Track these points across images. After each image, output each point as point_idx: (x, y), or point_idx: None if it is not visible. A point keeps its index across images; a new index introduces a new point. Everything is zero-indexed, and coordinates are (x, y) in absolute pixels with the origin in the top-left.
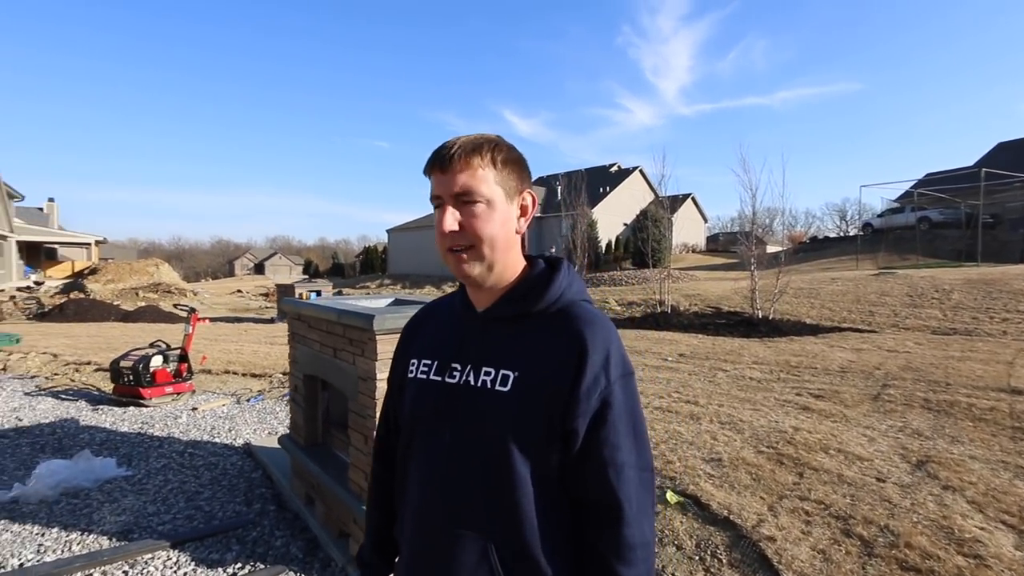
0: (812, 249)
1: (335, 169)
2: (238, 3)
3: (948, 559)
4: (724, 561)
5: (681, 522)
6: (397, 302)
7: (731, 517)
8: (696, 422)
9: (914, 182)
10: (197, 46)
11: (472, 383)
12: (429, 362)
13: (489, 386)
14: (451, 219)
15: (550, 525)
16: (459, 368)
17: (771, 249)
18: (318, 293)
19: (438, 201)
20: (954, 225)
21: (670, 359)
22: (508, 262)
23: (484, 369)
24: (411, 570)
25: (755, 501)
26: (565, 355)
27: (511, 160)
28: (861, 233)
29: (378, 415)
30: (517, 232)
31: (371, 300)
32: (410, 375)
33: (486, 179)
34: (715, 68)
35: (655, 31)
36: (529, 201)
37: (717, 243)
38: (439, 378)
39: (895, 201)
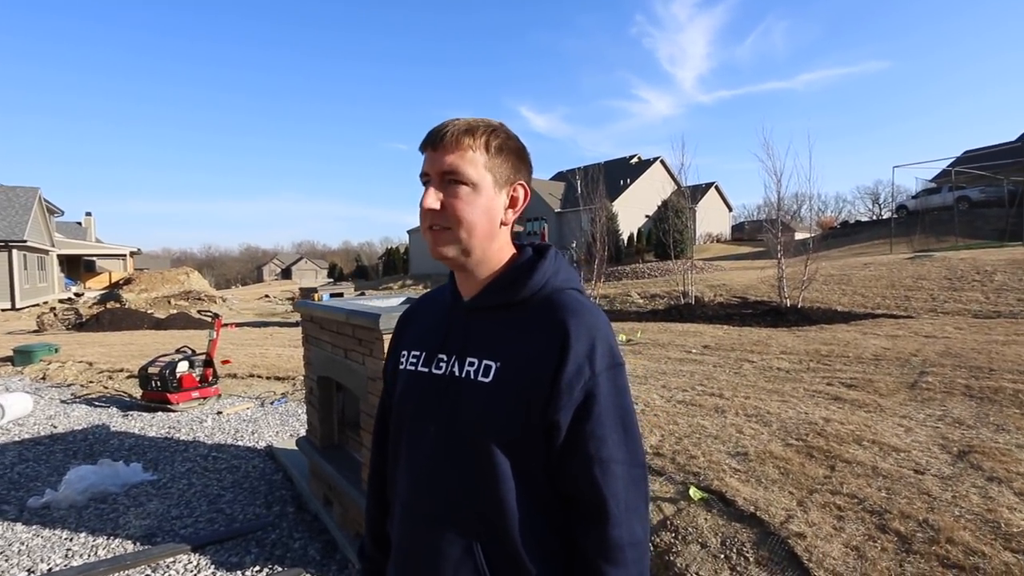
0: (843, 234)
1: (356, 173)
2: (261, 20)
3: (994, 555)
4: (751, 559)
5: (705, 519)
6: (408, 301)
7: (758, 513)
8: (721, 415)
9: (951, 160)
10: (222, 63)
11: (456, 374)
12: (418, 353)
13: (472, 376)
14: (432, 197)
15: (536, 521)
16: (445, 359)
17: (799, 236)
18: (339, 296)
19: (425, 178)
20: (996, 204)
21: (694, 351)
22: (490, 251)
23: (468, 359)
24: (399, 564)
25: (783, 496)
26: (547, 345)
27: (507, 148)
28: (895, 216)
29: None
30: (503, 223)
31: (384, 300)
32: (400, 366)
33: (475, 162)
34: (733, 54)
35: (670, 19)
36: (520, 193)
37: (743, 232)
38: (426, 369)
39: (931, 181)
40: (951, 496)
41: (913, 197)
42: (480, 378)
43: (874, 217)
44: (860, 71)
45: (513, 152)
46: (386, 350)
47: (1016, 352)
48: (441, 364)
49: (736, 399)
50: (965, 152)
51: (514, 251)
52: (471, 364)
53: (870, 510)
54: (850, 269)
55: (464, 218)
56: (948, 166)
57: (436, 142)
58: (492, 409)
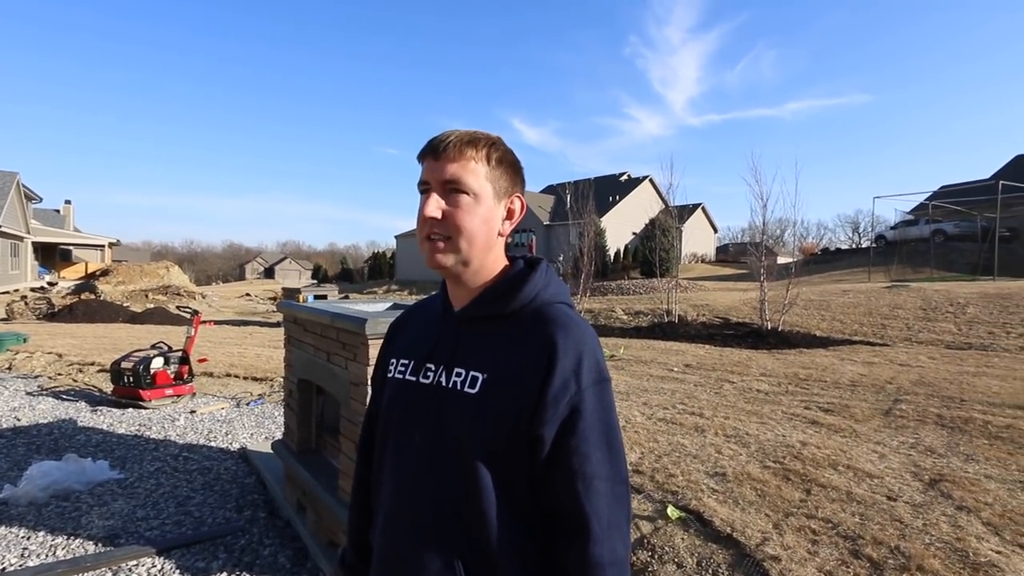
0: (823, 261)
1: (346, 176)
2: (255, 17)
3: None
4: None
5: (682, 539)
6: (395, 307)
7: (734, 535)
8: (701, 435)
9: (929, 194)
10: (214, 56)
11: (443, 384)
12: (406, 362)
13: (459, 387)
14: (434, 205)
15: (518, 536)
16: (432, 368)
17: (782, 260)
18: (323, 298)
19: (425, 187)
20: (970, 238)
21: (676, 369)
22: (486, 261)
23: (456, 370)
24: (380, 574)
25: (760, 518)
26: (534, 358)
27: (506, 161)
28: (874, 245)
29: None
30: (500, 234)
31: (370, 304)
32: (389, 374)
33: (477, 173)
34: (724, 79)
35: (663, 42)
36: (517, 205)
37: (727, 253)
38: (414, 378)
39: (909, 213)
40: (922, 524)
41: (892, 228)
42: (467, 389)
43: (854, 245)
44: (844, 103)
45: (511, 165)
46: (371, 355)
47: (986, 384)
48: (429, 373)
49: (716, 419)
50: (942, 187)
51: (506, 263)
52: (458, 375)
53: (844, 535)
54: (829, 295)
55: (465, 227)
56: (926, 199)
57: (438, 151)
58: (477, 420)
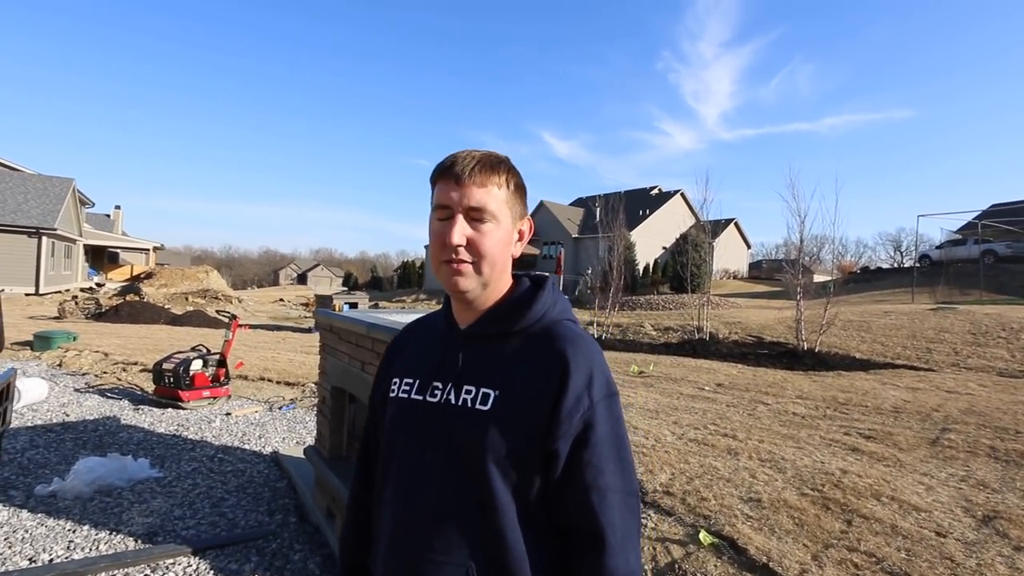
0: (863, 280)
1: (378, 185)
2: (292, 22)
3: None
4: None
5: (715, 565)
6: None
7: (770, 564)
8: (734, 457)
9: (978, 212)
10: (248, 56)
11: (453, 401)
12: (411, 380)
13: (469, 405)
14: (459, 232)
15: (534, 551)
16: (440, 387)
17: (818, 278)
18: (354, 305)
19: (447, 212)
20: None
21: (707, 388)
22: (499, 282)
23: (465, 388)
24: None
25: (797, 548)
26: (547, 374)
27: (520, 185)
28: (918, 265)
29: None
30: (512, 256)
31: (402, 314)
32: (392, 394)
33: (498, 198)
34: (758, 93)
35: (696, 57)
36: (526, 227)
37: (760, 270)
38: (420, 397)
39: (956, 232)
40: (975, 563)
41: (937, 247)
42: (478, 406)
43: (895, 264)
44: (884, 117)
45: (523, 189)
46: None
47: None
48: (436, 392)
49: (750, 442)
50: (992, 205)
51: (512, 281)
52: (468, 392)
53: (889, 571)
54: (870, 316)
55: (489, 253)
56: (975, 218)
57: (461, 176)
58: (491, 437)
